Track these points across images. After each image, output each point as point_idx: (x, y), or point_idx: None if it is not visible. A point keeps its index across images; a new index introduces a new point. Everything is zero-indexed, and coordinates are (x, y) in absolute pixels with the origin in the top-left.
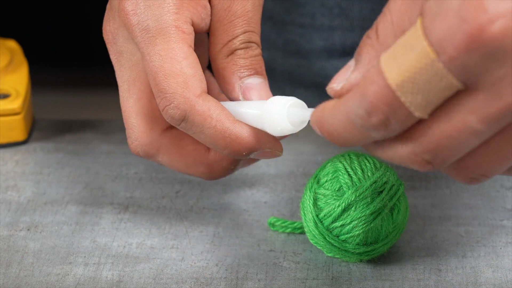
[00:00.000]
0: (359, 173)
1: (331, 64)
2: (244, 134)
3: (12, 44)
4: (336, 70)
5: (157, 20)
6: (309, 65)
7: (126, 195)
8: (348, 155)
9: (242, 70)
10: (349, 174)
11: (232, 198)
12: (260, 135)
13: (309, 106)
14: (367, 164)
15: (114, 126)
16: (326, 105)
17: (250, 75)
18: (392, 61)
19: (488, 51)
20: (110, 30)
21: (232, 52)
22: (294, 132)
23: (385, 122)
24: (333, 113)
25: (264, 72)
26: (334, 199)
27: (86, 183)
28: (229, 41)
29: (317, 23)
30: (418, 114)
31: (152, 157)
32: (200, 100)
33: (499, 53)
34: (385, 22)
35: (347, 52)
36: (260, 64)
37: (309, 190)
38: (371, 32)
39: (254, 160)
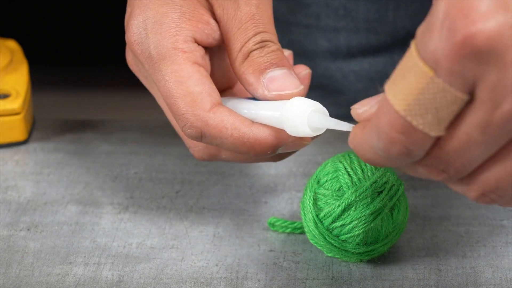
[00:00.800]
0: (359, 173)
1: (335, 65)
2: (262, 135)
3: (12, 44)
4: (341, 71)
5: (156, 47)
6: (314, 66)
7: (126, 195)
8: (348, 155)
9: (261, 67)
10: (349, 174)
11: (232, 198)
12: (280, 132)
13: None
14: (367, 164)
15: (114, 126)
16: (356, 133)
17: (271, 69)
18: (395, 88)
19: (479, 56)
20: (132, 60)
21: (248, 55)
22: (312, 136)
23: (406, 150)
24: (360, 144)
25: (287, 64)
26: (334, 199)
27: (86, 183)
28: (242, 46)
29: (322, 24)
30: (433, 133)
31: (216, 157)
32: (211, 114)
33: (489, 56)
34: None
35: (352, 53)
36: (280, 57)
37: (309, 190)
38: None
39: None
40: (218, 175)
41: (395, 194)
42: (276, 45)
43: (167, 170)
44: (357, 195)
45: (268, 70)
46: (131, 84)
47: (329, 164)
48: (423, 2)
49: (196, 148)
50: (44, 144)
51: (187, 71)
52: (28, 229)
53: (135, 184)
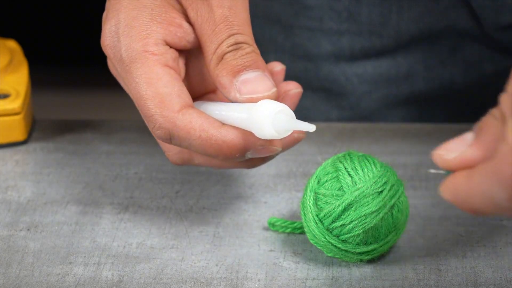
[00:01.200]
0: (359, 173)
1: (339, 68)
2: (230, 137)
3: (12, 44)
4: (344, 74)
5: (127, 50)
6: (317, 69)
7: (126, 195)
8: (349, 155)
9: (234, 70)
10: (349, 174)
11: (232, 198)
12: (248, 135)
13: (316, 110)
14: (368, 164)
15: (114, 126)
16: (459, 183)
17: (244, 72)
18: None
19: None
20: (109, 64)
21: (222, 57)
22: (278, 138)
23: None
24: (469, 194)
25: (262, 66)
26: (335, 199)
27: (86, 183)
28: (216, 48)
29: (325, 27)
30: None
31: (189, 162)
32: (179, 115)
33: None
34: (509, 98)
35: (355, 56)
36: (254, 59)
37: (310, 190)
38: (496, 111)
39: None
40: (218, 175)
41: (395, 194)
42: (251, 47)
43: (167, 170)
44: (357, 195)
45: (242, 73)
46: None
47: (329, 164)
48: (426, 5)
49: (170, 152)
50: (44, 144)
51: (157, 73)
52: (28, 229)
53: (135, 184)
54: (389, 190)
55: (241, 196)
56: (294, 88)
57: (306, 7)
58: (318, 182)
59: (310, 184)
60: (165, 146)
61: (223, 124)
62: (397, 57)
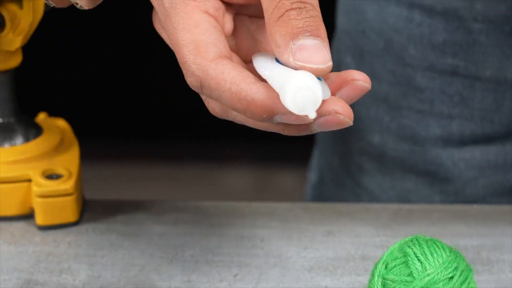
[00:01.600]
0: (429, 258)
1: (446, 152)
2: (259, 96)
3: (61, 123)
4: (452, 159)
5: None
6: (423, 153)
7: (183, 279)
8: (417, 239)
9: (294, 31)
10: (419, 260)
11: (292, 282)
12: (278, 99)
13: (418, 194)
14: (437, 249)
15: (166, 206)
16: None
17: (304, 37)
18: None
19: None
20: (154, 17)
21: (283, 13)
22: (296, 114)
23: None
24: None
25: (323, 35)
26: (404, 285)
27: (141, 265)
28: (279, 1)
29: (436, 110)
30: None
31: (226, 114)
32: (212, 64)
33: None
34: None
35: (465, 141)
36: (317, 25)
37: (377, 275)
38: None
39: (331, 123)
40: (276, 258)
41: (465, 280)
42: (315, 10)
43: (223, 252)
44: (428, 280)
45: (301, 36)
46: (181, 158)
47: (396, 248)
48: None
49: (209, 100)
50: (96, 225)
51: (195, 19)
52: None
53: (191, 267)
54: (459, 275)
55: (301, 280)
56: (361, 80)
57: (416, 88)
58: (386, 267)
59: (378, 269)
60: (209, 104)
61: (257, 81)
62: (506, 144)
